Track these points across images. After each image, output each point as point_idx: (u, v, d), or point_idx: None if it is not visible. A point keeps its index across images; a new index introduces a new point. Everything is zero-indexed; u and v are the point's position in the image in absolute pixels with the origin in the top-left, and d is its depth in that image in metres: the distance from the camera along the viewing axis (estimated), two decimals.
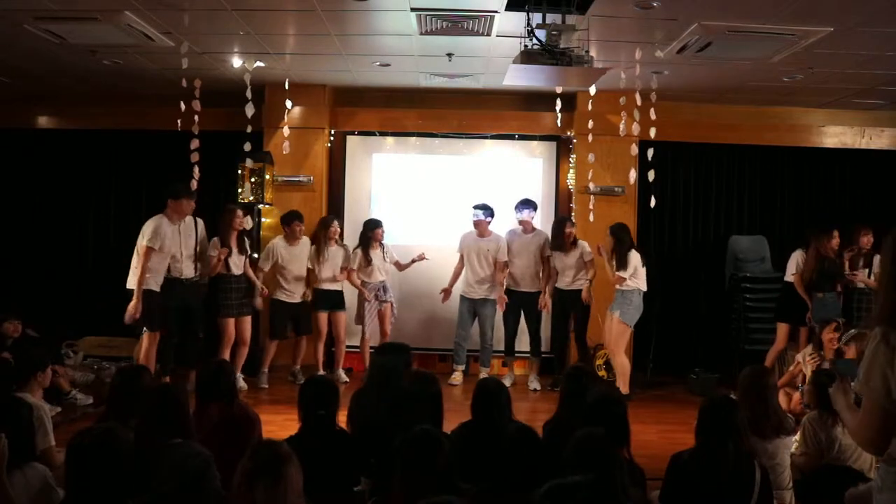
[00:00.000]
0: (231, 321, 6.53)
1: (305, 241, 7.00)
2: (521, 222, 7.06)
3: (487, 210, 7.03)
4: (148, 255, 5.95)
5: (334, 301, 7.05)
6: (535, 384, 7.08)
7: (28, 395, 4.04)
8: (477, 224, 7.06)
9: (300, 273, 6.92)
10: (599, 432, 2.76)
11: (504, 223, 7.30)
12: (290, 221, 6.90)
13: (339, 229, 7.04)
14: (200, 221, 6.56)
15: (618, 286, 6.54)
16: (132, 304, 5.91)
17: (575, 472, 2.41)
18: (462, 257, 7.15)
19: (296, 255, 6.90)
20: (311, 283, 7.01)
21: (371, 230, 7.04)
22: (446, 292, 7.19)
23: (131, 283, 6.04)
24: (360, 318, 7.10)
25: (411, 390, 3.59)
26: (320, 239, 6.99)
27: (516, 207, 7.05)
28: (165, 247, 6.09)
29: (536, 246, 7.05)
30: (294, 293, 6.91)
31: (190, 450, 2.93)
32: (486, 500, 2.70)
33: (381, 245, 7.10)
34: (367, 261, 7.01)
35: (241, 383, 6.61)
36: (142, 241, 5.98)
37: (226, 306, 6.52)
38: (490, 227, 7.07)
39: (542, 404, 6.64)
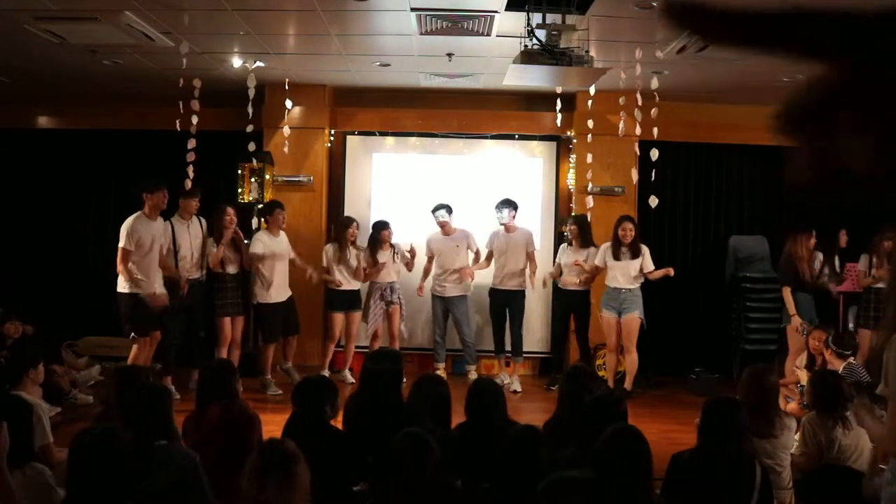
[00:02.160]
0: (227, 321, 6.52)
1: (284, 234, 6.88)
2: (502, 223, 7.07)
3: (450, 208, 7.10)
4: (125, 258, 5.85)
5: (351, 301, 7.05)
6: (515, 385, 7.02)
7: (23, 392, 4.04)
8: (445, 224, 7.10)
9: (284, 268, 6.80)
10: (633, 428, 2.77)
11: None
12: (272, 210, 6.73)
13: (356, 232, 7.03)
14: (204, 221, 6.57)
15: (625, 286, 6.53)
16: (147, 297, 5.89)
17: (605, 466, 2.42)
18: (430, 259, 7.18)
19: (280, 248, 6.76)
20: (329, 283, 7.00)
21: (378, 231, 7.04)
22: (420, 289, 7.26)
23: (120, 286, 6.00)
24: (365, 317, 7.10)
25: (417, 393, 3.59)
26: (341, 240, 6.98)
27: (496, 208, 7.03)
28: (144, 244, 5.95)
29: (520, 244, 7.07)
30: (280, 291, 6.82)
31: (175, 451, 2.94)
32: (488, 500, 2.70)
33: (392, 246, 7.10)
34: (374, 261, 7.01)
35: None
36: (119, 244, 5.91)
37: (222, 305, 6.51)
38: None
39: (534, 404, 6.64)
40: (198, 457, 3.02)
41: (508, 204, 7.05)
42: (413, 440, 2.65)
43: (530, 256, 7.08)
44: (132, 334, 5.98)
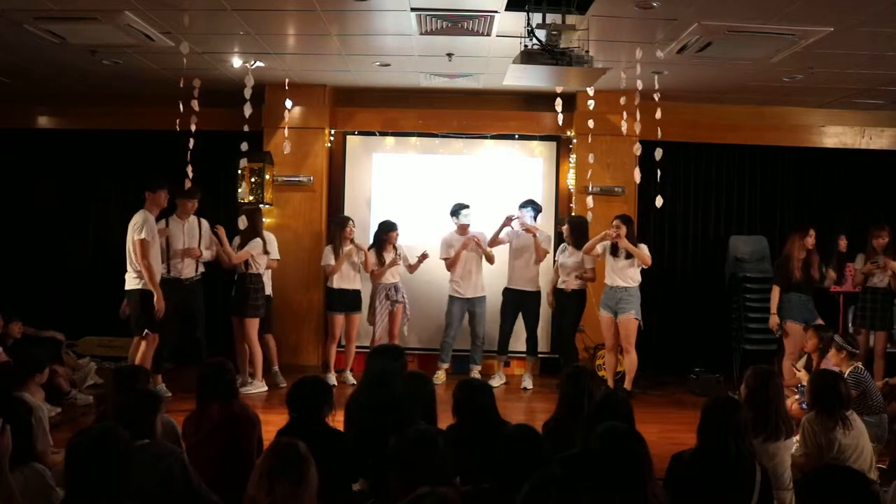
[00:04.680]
0: (235, 320, 6.60)
1: (267, 234, 6.93)
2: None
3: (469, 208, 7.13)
4: (146, 248, 5.91)
5: (351, 302, 7.02)
6: (527, 383, 7.10)
7: (27, 395, 4.05)
8: (466, 226, 7.10)
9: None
10: (624, 426, 2.76)
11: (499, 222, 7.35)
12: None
13: (353, 229, 7.02)
14: (205, 222, 6.54)
15: (622, 284, 6.50)
16: (156, 299, 5.92)
17: (601, 465, 2.41)
18: (450, 259, 7.13)
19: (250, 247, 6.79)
20: (332, 278, 6.99)
21: (386, 232, 7.02)
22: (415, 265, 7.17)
23: (130, 284, 6.03)
24: (371, 319, 7.08)
25: (405, 391, 3.58)
26: (336, 240, 6.98)
27: (521, 207, 7.09)
28: (155, 240, 6.07)
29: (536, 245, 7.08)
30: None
31: (160, 450, 2.92)
32: (485, 500, 2.69)
33: (395, 248, 7.08)
34: (381, 262, 6.98)
35: (262, 386, 6.62)
36: (137, 236, 5.94)
37: (229, 305, 6.59)
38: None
39: (536, 404, 6.67)
40: (183, 452, 3.01)
41: (531, 204, 7.10)
42: (419, 437, 2.64)
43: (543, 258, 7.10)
44: (145, 331, 5.98)
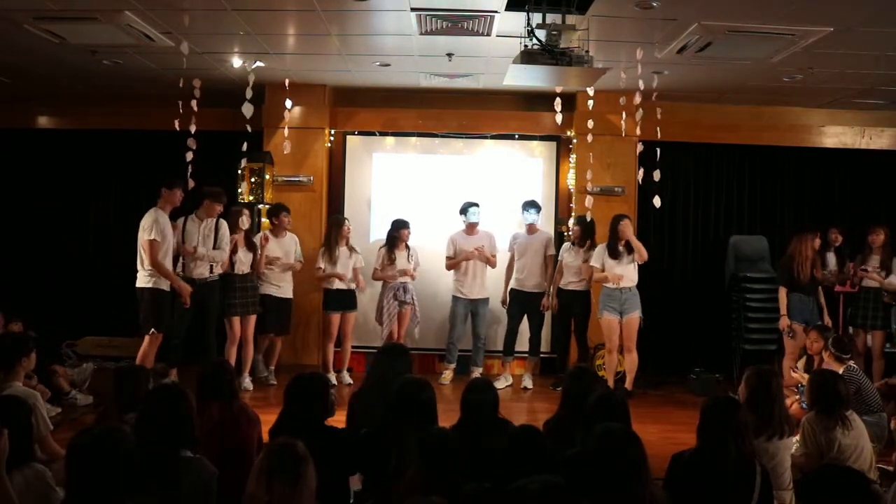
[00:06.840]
0: (236, 320, 6.54)
1: (292, 235, 7.00)
2: (529, 222, 7.11)
3: (478, 206, 7.11)
4: (155, 249, 5.89)
5: (347, 301, 7.02)
6: (527, 382, 7.11)
7: (18, 383, 4.05)
8: (474, 224, 7.08)
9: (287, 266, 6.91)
10: (620, 427, 2.76)
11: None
12: (277, 213, 6.92)
13: (350, 229, 7.02)
14: (224, 223, 6.46)
15: (626, 285, 6.50)
16: (183, 289, 6.00)
17: (598, 467, 2.41)
18: (451, 261, 7.13)
19: (283, 248, 6.87)
20: (322, 283, 6.99)
21: (398, 230, 7.00)
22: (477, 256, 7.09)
23: (142, 282, 5.98)
24: (379, 318, 7.06)
25: (402, 395, 3.55)
26: (331, 239, 6.98)
27: (524, 208, 7.10)
28: (166, 237, 6.01)
29: (540, 245, 7.08)
30: (280, 287, 6.88)
31: (204, 466, 2.91)
32: (486, 500, 2.69)
33: (408, 246, 7.07)
34: (391, 260, 6.96)
35: (248, 384, 6.63)
36: (146, 237, 5.91)
37: (230, 305, 6.53)
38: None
39: (537, 404, 6.67)
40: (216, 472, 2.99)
41: (534, 205, 7.09)
42: (445, 440, 2.64)
43: (548, 260, 7.11)
44: (152, 329, 5.95)
